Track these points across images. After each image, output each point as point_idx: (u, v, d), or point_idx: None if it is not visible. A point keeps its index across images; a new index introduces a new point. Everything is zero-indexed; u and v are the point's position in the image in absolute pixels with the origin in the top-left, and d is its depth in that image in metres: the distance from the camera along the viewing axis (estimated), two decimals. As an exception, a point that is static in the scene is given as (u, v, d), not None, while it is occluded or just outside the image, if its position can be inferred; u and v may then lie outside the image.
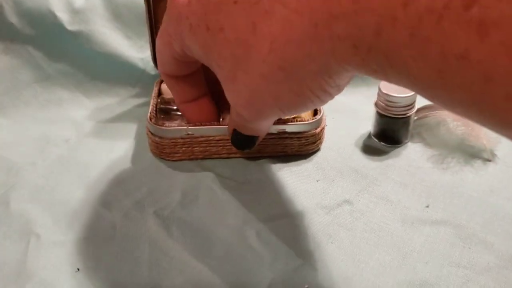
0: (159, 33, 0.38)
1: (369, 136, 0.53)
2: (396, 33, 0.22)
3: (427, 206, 0.43)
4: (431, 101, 0.24)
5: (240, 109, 0.35)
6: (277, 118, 0.37)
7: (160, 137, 0.48)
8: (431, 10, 0.20)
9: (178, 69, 0.40)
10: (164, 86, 0.54)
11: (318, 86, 0.30)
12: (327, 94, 0.31)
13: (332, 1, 0.24)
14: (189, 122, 0.47)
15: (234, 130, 0.40)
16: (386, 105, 0.48)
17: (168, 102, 0.52)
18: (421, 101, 0.51)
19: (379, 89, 0.49)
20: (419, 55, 0.21)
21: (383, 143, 0.51)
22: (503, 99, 0.19)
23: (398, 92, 0.47)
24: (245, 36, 0.29)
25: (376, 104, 0.50)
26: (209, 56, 0.33)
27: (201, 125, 0.48)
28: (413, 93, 0.48)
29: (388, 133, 0.51)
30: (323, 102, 0.32)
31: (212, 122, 0.48)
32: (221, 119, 0.49)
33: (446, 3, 0.19)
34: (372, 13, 0.22)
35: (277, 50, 0.28)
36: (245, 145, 0.42)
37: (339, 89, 0.32)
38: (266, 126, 0.40)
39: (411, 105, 0.49)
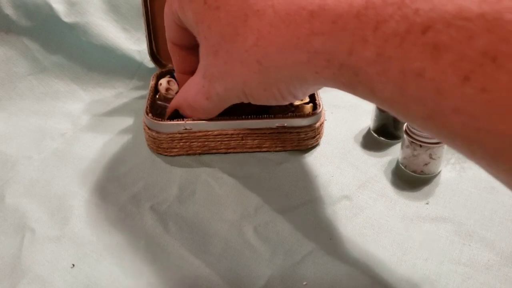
0: None
1: (369, 131, 0.52)
2: (366, 52, 0.25)
3: (427, 203, 0.43)
4: (394, 115, 0.27)
5: (213, 80, 0.37)
6: (238, 101, 0.38)
7: (157, 132, 0.48)
8: (395, 34, 0.23)
9: (179, 36, 0.41)
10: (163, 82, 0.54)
11: (286, 88, 0.33)
12: (292, 97, 0.34)
13: (315, 20, 0.27)
14: (173, 63, 0.47)
15: (176, 110, 0.45)
16: None
17: (166, 99, 0.51)
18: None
19: None
20: (383, 72, 0.24)
21: (382, 138, 0.51)
22: (451, 112, 0.22)
23: None
24: (236, 23, 0.32)
25: None
26: (198, 25, 0.35)
27: (199, 120, 0.47)
28: None
29: (388, 128, 0.50)
30: (285, 102, 0.35)
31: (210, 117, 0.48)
32: None
33: (408, 27, 0.22)
34: (346, 34, 0.26)
35: (260, 47, 0.31)
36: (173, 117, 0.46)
37: (304, 95, 0.36)
38: (214, 109, 0.42)
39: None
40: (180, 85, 0.48)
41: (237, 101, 0.38)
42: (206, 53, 0.36)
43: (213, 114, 0.44)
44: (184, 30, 0.40)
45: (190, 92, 0.41)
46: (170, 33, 0.42)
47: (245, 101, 0.37)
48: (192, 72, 0.45)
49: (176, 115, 0.46)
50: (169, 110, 0.46)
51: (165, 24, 0.42)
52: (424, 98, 0.23)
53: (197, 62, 0.43)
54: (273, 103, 0.36)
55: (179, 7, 0.37)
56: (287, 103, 0.36)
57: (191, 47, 0.43)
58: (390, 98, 0.25)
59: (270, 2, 0.30)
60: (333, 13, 0.26)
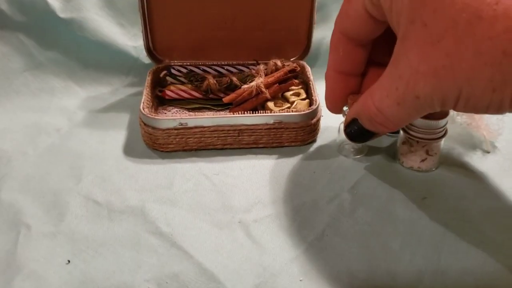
0: None
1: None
2: None
3: (425, 198, 0.43)
4: None
5: (418, 78, 0.30)
6: (436, 110, 0.31)
7: (153, 128, 0.47)
8: None
9: (360, 25, 0.35)
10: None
11: None
12: None
13: None
14: (326, 97, 0.41)
15: (354, 119, 0.36)
16: None
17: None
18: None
19: None
20: None
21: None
22: None
23: None
24: (479, 5, 0.26)
25: None
26: (415, 11, 0.28)
27: (195, 115, 0.47)
28: None
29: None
30: (497, 113, 0.29)
31: (206, 113, 0.48)
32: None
33: None
34: None
35: None
36: (360, 138, 0.37)
37: None
38: (404, 119, 0.33)
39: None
40: (326, 84, 0.41)
41: (436, 109, 0.31)
42: (418, 45, 0.29)
43: (398, 125, 0.35)
44: (371, 19, 0.34)
45: (374, 97, 0.33)
46: (347, 21, 0.36)
47: (447, 108, 0.30)
48: (348, 73, 0.39)
49: (354, 127, 0.37)
50: (346, 119, 0.38)
51: (341, 14, 0.36)
52: None
53: (361, 62, 0.38)
54: (490, 111, 0.29)
55: None
56: (507, 112, 0.29)
57: (363, 44, 0.37)
58: None
59: None
60: None
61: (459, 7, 0.26)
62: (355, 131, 0.36)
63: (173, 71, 0.57)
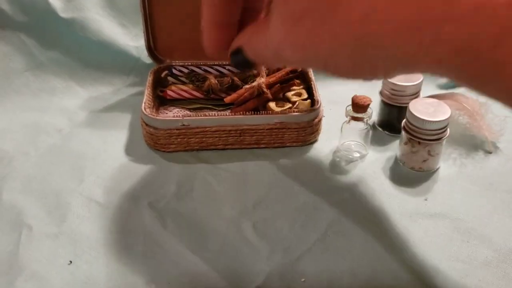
0: None
1: (367, 127, 0.52)
2: None
3: (426, 199, 0.43)
4: None
5: (283, 47, 0.31)
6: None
7: (155, 128, 0.47)
8: None
9: None
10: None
11: (383, 67, 0.28)
12: (382, 75, 0.30)
13: (451, 2, 0.23)
14: (205, 46, 0.40)
15: (240, 49, 0.36)
16: (392, 94, 0.48)
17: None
18: (425, 91, 0.51)
19: None
20: None
21: (387, 132, 0.51)
22: None
23: (404, 81, 0.47)
24: None
25: (381, 93, 0.50)
26: None
27: (197, 116, 0.47)
28: (418, 81, 0.48)
29: (393, 122, 0.50)
30: (371, 80, 0.30)
31: (208, 113, 0.48)
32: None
33: None
34: (493, 23, 0.21)
35: (368, 23, 0.26)
36: (244, 66, 0.37)
37: (398, 75, 0.30)
38: (282, 64, 0.36)
39: (417, 93, 0.48)
40: (203, 37, 0.39)
41: (308, 69, 0.33)
42: (283, 19, 0.30)
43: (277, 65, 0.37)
44: None
45: (254, 38, 0.34)
46: None
47: (318, 70, 0.32)
48: (225, 23, 0.38)
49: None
50: (232, 46, 0.37)
51: None
52: None
53: (237, 10, 0.37)
54: (356, 78, 0.31)
55: None
56: (371, 80, 0.30)
57: (233, 23, 0.37)
58: None
59: None
60: None
61: None
62: (240, 60, 0.36)
63: (174, 71, 0.57)
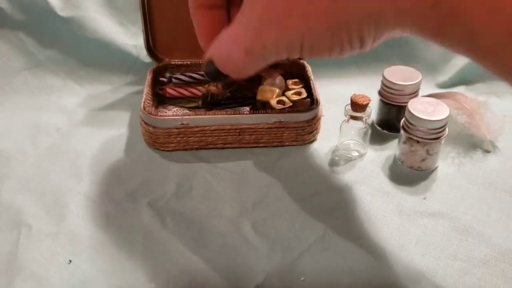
0: None
1: (366, 126, 0.52)
2: None
3: (424, 198, 0.43)
4: (489, 67, 0.23)
5: (262, 28, 0.31)
6: (284, 57, 0.32)
7: (154, 127, 0.47)
8: None
9: None
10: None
11: (357, 32, 0.28)
12: (359, 45, 0.30)
13: None
14: (198, 39, 0.41)
15: (210, 58, 0.36)
16: (390, 93, 0.48)
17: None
18: (424, 90, 0.51)
19: (383, 77, 0.48)
20: (495, 10, 0.21)
21: (386, 131, 0.51)
22: None
23: (402, 80, 0.47)
24: None
25: (379, 93, 0.50)
26: None
27: (196, 115, 0.47)
28: (417, 80, 0.48)
29: (392, 121, 0.50)
30: (348, 52, 0.31)
31: (207, 112, 0.48)
32: None
33: None
34: None
35: None
36: (217, 78, 0.37)
37: (373, 44, 0.30)
38: (252, 67, 0.35)
39: (415, 93, 0.48)
40: (194, 25, 0.40)
41: (283, 56, 0.32)
42: None
43: (246, 73, 0.36)
44: None
45: (224, 43, 0.34)
46: None
47: (296, 56, 0.31)
48: (209, 6, 0.38)
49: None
50: (205, 57, 0.37)
51: None
52: None
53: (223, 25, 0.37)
54: (334, 54, 0.31)
55: None
56: (348, 54, 0.31)
57: (219, 6, 0.37)
58: (497, 43, 0.22)
59: None
60: None
61: None
62: (212, 71, 0.36)
63: (174, 80, 0.56)
